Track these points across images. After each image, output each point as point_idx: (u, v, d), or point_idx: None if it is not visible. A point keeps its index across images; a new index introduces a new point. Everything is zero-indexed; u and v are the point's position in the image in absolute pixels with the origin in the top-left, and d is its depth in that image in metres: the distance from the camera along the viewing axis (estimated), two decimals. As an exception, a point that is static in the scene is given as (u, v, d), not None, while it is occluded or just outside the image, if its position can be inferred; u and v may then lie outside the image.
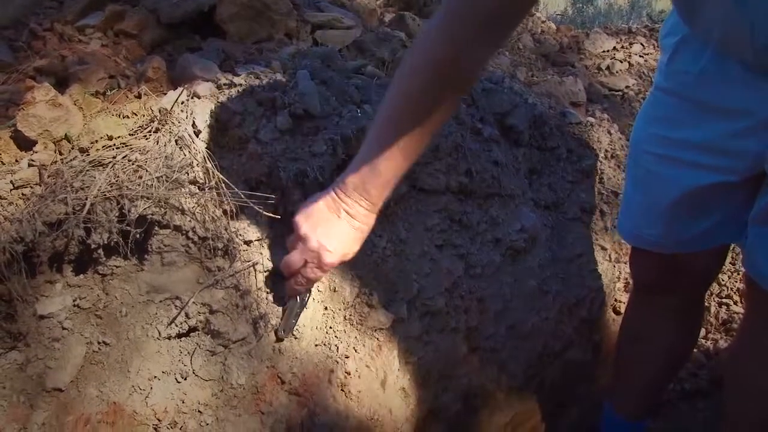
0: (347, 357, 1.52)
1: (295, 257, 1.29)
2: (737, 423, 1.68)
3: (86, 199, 1.24)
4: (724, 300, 2.53)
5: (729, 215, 1.46)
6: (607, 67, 2.56)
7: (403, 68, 1.20)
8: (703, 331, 2.53)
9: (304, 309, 1.43)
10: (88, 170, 1.28)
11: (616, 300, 2.18)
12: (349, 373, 1.52)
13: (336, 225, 1.26)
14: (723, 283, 2.53)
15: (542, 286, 1.89)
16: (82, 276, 1.33)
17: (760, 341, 1.59)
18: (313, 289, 1.43)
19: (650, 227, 1.54)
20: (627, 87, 2.49)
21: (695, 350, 2.45)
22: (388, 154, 1.20)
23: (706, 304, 2.57)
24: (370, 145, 1.23)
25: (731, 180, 1.37)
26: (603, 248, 2.11)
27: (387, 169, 1.21)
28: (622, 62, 2.60)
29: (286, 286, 1.36)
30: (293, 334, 1.44)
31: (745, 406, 1.64)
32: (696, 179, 1.41)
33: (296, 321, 1.43)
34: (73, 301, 1.32)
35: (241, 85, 1.52)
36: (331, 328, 1.52)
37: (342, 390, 1.52)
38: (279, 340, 1.44)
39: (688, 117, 1.39)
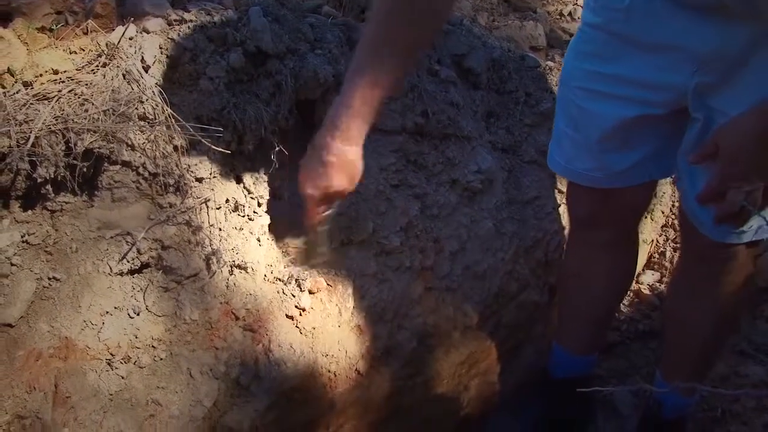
0: (302, 294, 1.53)
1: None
2: (674, 355, 1.75)
3: (30, 132, 1.22)
4: (679, 244, 2.58)
5: (658, 150, 1.52)
6: (569, 13, 2.56)
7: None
8: (658, 275, 2.59)
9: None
10: (32, 103, 1.26)
11: (572, 243, 2.20)
12: (303, 310, 1.54)
13: (309, 157, 1.28)
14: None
15: (499, 228, 1.91)
16: (30, 212, 1.31)
17: (688, 276, 1.65)
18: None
19: (582, 161, 1.59)
20: (588, 33, 2.48)
21: (649, 293, 2.51)
22: (356, 81, 1.20)
23: (662, 249, 2.64)
24: (345, 78, 1.24)
25: (657, 112, 1.43)
26: (560, 191, 2.13)
27: (353, 97, 1.20)
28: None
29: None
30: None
31: (678, 339, 1.71)
32: (623, 111, 1.46)
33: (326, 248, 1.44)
34: (22, 237, 1.30)
35: (192, 21, 1.50)
36: (285, 265, 1.54)
37: (296, 326, 1.53)
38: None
39: (616, 52, 1.43)
